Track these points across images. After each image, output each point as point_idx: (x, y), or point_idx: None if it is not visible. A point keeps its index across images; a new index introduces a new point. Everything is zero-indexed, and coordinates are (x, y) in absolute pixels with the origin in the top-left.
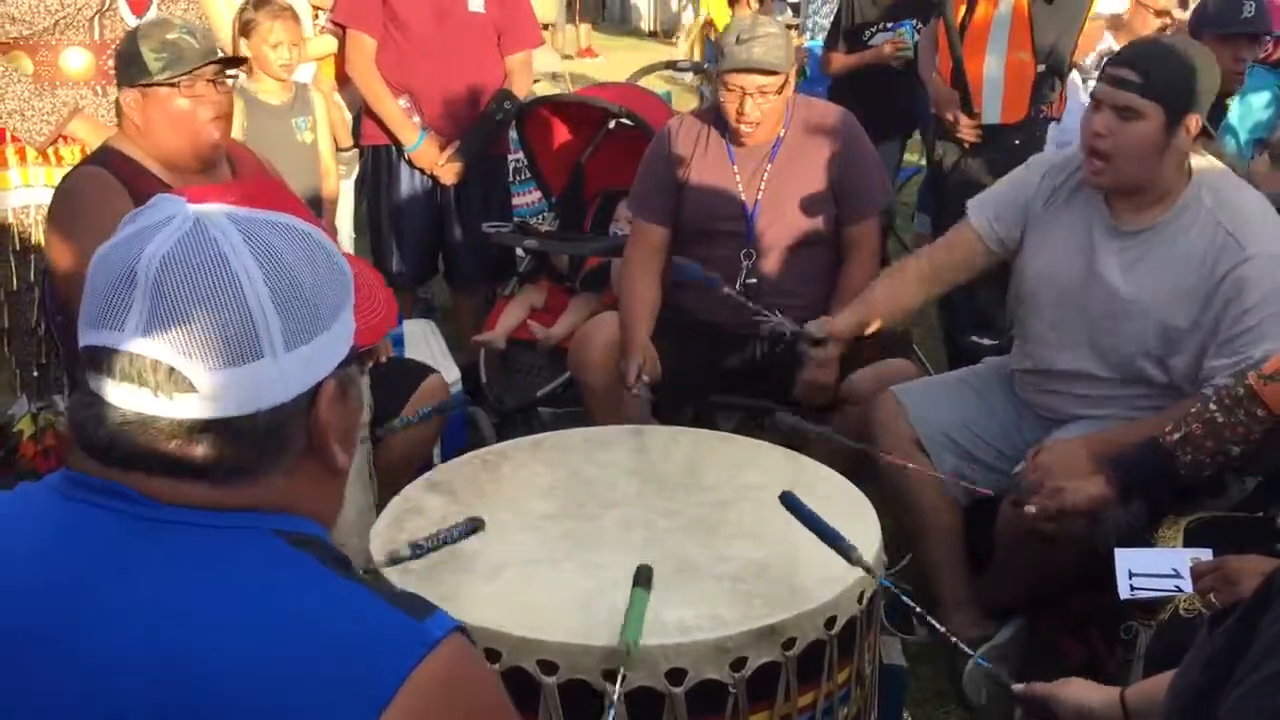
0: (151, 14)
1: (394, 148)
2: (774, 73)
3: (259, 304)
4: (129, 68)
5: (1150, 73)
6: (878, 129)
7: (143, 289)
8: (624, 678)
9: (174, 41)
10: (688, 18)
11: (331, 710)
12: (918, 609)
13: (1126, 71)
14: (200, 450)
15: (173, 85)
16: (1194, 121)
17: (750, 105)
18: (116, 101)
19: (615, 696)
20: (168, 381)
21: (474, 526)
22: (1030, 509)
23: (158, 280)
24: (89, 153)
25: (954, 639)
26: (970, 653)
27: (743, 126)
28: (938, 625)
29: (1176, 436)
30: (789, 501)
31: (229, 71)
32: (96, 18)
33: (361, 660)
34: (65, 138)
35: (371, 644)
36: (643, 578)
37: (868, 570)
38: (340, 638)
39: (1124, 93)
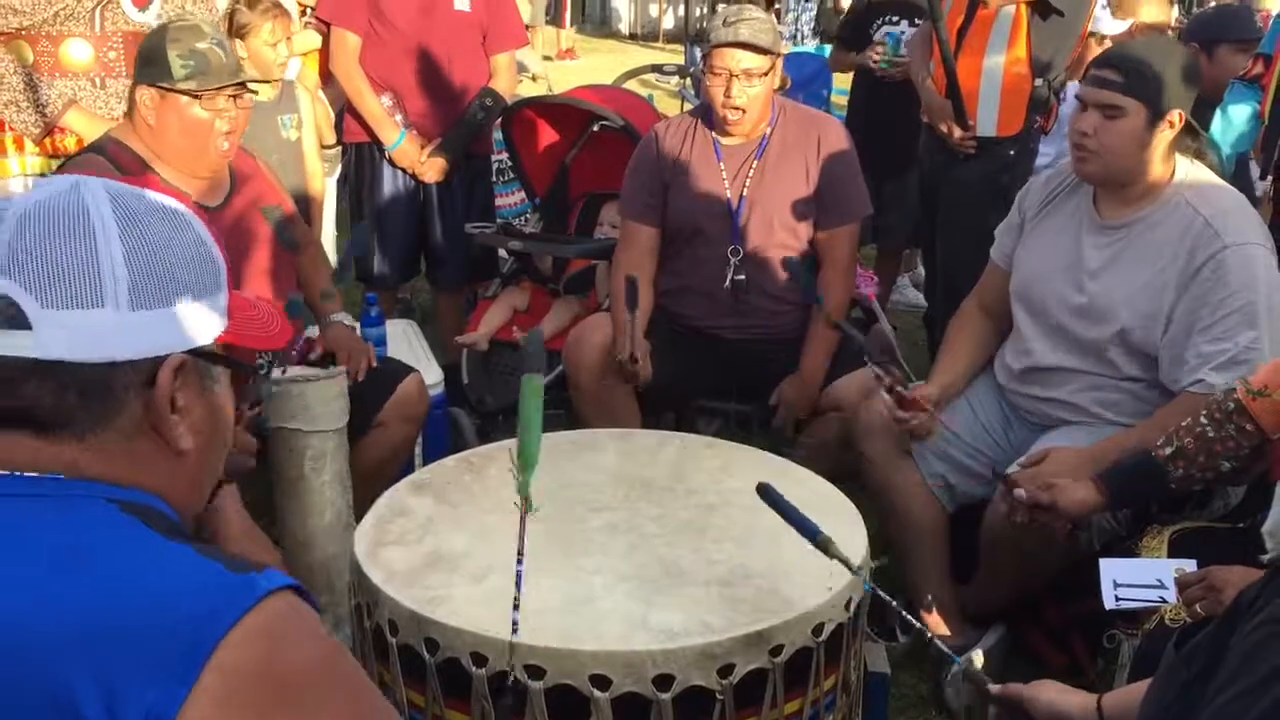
0: (154, 8)
1: (376, 145)
2: (761, 51)
3: (109, 254)
4: (150, 66)
5: (1131, 72)
6: (894, 164)
7: (8, 225)
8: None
9: (203, 52)
10: (668, 22)
11: (153, 668)
12: (895, 604)
13: (1108, 72)
14: (26, 392)
15: (195, 96)
16: (1177, 116)
17: (737, 88)
18: (130, 92)
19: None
20: (3, 314)
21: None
22: (1020, 492)
23: (20, 221)
24: (85, 144)
25: (931, 635)
26: (947, 650)
27: (729, 113)
28: (915, 622)
29: (1169, 451)
30: (766, 494)
31: (250, 86)
32: (98, 10)
33: (183, 614)
34: (61, 129)
35: (194, 599)
36: (532, 348)
37: (845, 563)
38: (161, 595)
39: (1107, 92)
